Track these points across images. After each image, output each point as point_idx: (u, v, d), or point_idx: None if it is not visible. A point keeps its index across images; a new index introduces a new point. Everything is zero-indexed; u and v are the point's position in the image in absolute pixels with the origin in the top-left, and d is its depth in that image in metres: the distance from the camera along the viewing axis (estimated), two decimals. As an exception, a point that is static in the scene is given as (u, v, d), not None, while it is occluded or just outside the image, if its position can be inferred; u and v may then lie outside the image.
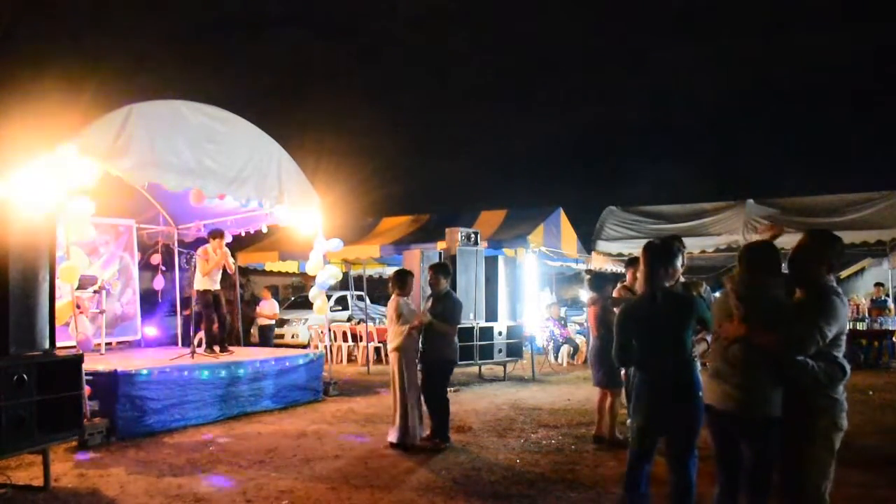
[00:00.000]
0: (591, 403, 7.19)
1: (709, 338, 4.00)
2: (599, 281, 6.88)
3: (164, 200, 10.66)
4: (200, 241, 10.18)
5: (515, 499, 4.90)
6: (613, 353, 4.01)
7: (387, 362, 13.36)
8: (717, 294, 4.55)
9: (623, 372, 6.20)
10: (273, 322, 14.00)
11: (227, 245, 9.69)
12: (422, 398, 6.53)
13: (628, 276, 6.43)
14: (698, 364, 4.36)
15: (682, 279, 4.52)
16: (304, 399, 9.02)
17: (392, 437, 6.48)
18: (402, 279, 6.61)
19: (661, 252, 3.89)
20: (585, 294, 7.10)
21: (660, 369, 3.75)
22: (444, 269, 6.75)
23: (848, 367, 3.35)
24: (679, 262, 3.96)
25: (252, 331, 15.09)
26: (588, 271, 12.76)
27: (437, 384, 6.51)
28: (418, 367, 6.55)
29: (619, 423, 6.32)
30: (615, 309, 6.48)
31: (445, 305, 6.52)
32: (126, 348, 10.46)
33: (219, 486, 5.20)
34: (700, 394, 3.70)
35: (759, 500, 3.50)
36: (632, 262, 6.46)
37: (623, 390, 6.42)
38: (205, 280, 9.24)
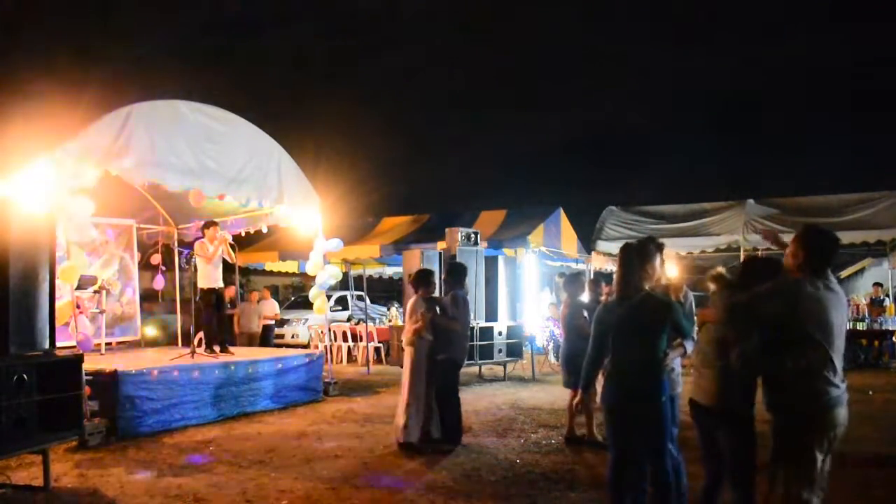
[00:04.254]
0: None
1: (687, 344, 4.01)
2: (571, 283, 6.89)
3: (164, 200, 10.66)
4: (197, 241, 10.16)
5: (515, 499, 4.90)
6: (586, 360, 4.03)
7: (387, 362, 13.47)
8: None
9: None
10: (273, 322, 14.00)
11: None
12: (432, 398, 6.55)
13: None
14: (678, 367, 4.38)
15: (663, 281, 4.49)
16: (304, 399, 9.02)
17: (397, 435, 6.50)
18: (427, 278, 6.69)
19: (634, 254, 3.89)
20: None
21: (624, 369, 3.80)
22: (457, 269, 6.79)
23: (791, 362, 3.36)
24: (657, 263, 3.93)
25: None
26: (561, 274, 12.77)
27: (444, 385, 6.51)
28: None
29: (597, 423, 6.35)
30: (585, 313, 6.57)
31: (448, 303, 6.55)
32: (126, 348, 10.46)
33: (219, 486, 5.20)
34: (664, 398, 3.76)
35: (742, 491, 3.55)
36: None
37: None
38: (208, 277, 9.21)
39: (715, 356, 3.62)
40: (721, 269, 3.84)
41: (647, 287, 3.85)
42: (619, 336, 3.84)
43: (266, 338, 13.45)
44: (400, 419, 6.45)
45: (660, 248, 4.10)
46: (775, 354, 3.36)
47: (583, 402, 4.17)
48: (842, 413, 3.33)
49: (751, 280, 3.58)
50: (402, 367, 11.12)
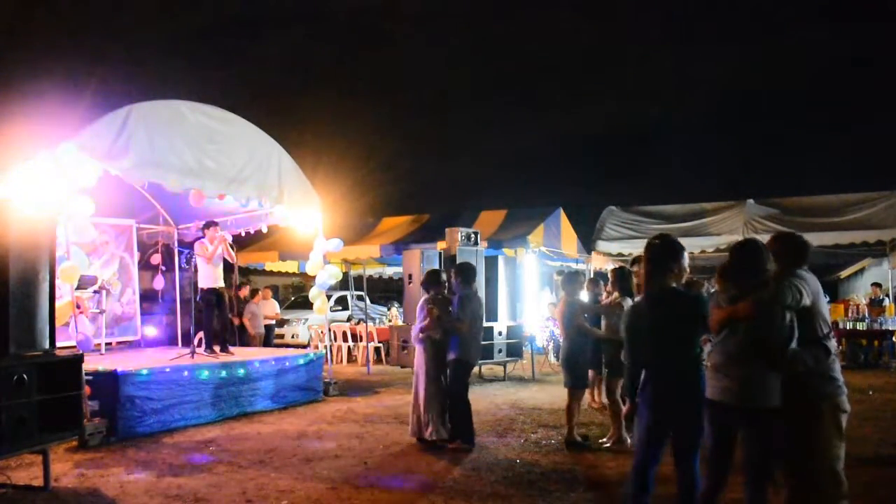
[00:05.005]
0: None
1: (712, 338, 4.00)
2: (569, 282, 6.90)
3: (164, 200, 10.66)
4: (197, 241, 10.17)
5: (515, 499, 4.90)
6: (626, 365, 3.98)
7: (387, 362, 13.47)
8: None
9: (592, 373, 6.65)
10: (274, 322, 14.03)
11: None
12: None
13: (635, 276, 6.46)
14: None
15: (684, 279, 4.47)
16: (304, 399, 9.02)
17: (410, 432, 6.55)
18: (437, 278, 6.75)
19: (661, 251, 3.84)
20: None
21: (665, 369, 3.75)
22: (464, 270, 6.80)
23: (832, 347, 3.55)
24: (686, 261, 3.90)
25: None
26: (559, 272, 12.83)
27: (453, 384, 6.52)
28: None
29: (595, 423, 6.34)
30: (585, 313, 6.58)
31: (455, 303, 6.56)
32: (126, 348, 10.46)
33: (219, 486, 5.20)
34: (704, 393, 3.73)
35: (760, 490, 3.55)
36: (635, 261, 6.48)
37: (589, 391, 6.58)
38: (208, 277, 9.22)
39: (747, 355, 3.55)
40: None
41: (673, 285, 3.81)
42: (656, 336, 3.77)
43: (267, 338, 13.50)
44: (418, 417, 6.49)
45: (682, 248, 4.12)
46: (815, 344, 3.51)
47: (633, 410, 3.95)
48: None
49: (744, 266, 3.65)
50: (402, 367, 11.22)
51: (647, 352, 3.82)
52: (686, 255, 3.89)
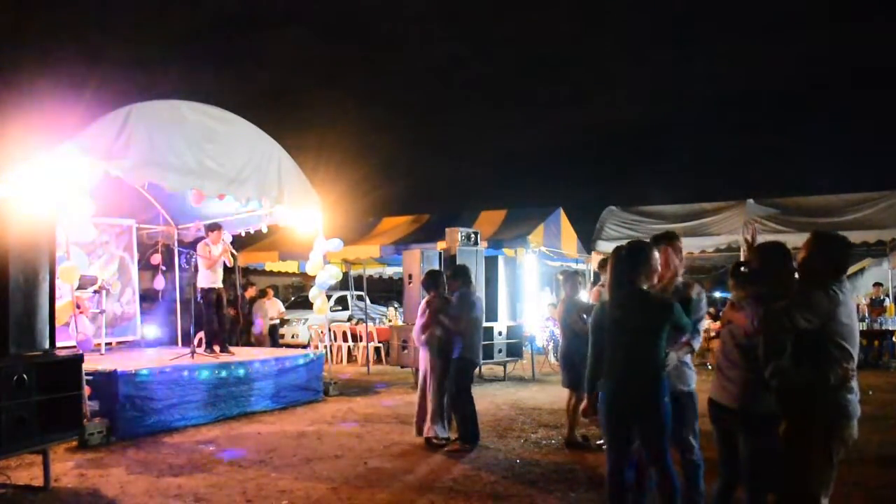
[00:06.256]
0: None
1: (694, 342, 3.99)
2: (567, 281, 6.91)
3: (164, 200, 10.66)
4: (200, 241, 10.18)
5: (515, 499, 4.90)
6: (588, 364, 3.99)
7: (386, 362, 13.47)
8: (718, 294, 4.55)
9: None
10: (278, 321, 14.05)
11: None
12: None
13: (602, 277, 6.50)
14: (690, 362, 4.35)
15: (680, 276, 4.45)
16: (304, 399, 9.02)
17: (416, 432, 6.56)
18: (436, 279, 6.75)
19: (626, 257, 3.85)
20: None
21: (625, 373, 3.75)
22: (459, 271, 6.82)
23: (842, 372, 3.29)
24: (655, 264, 3.87)
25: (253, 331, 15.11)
26: (562, 272, 12.85)
27: (458, 383, 6.52)
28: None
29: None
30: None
31: (456, 303, 6.57)
32: (126, 348, 10.46)
33: (219, 486, 5.20)
34: (666, 399, 3.70)
35: (758, 494, 3.53)
36: (604, 263, 6.52)
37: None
38: (208, 277, 9.23)
39: (741, 360, 3.56)
40: (742, 269, 3.78)
41: (644, 287, 3.80)
42: (617, 337, 3.79)
43: (273, 337, 13.53)
44: (424, 416, 6.49)
45: (666, 239, 4.10)
46: (814, 367, 3.30)
47: (590, 407, 3.98)
48: (856, 424, 3.35)
49: (768, 269, 3.55)
50: (402, 367, 11.22)
51: (608, 352, 3.83)
52: (656, 258, 3.87)
